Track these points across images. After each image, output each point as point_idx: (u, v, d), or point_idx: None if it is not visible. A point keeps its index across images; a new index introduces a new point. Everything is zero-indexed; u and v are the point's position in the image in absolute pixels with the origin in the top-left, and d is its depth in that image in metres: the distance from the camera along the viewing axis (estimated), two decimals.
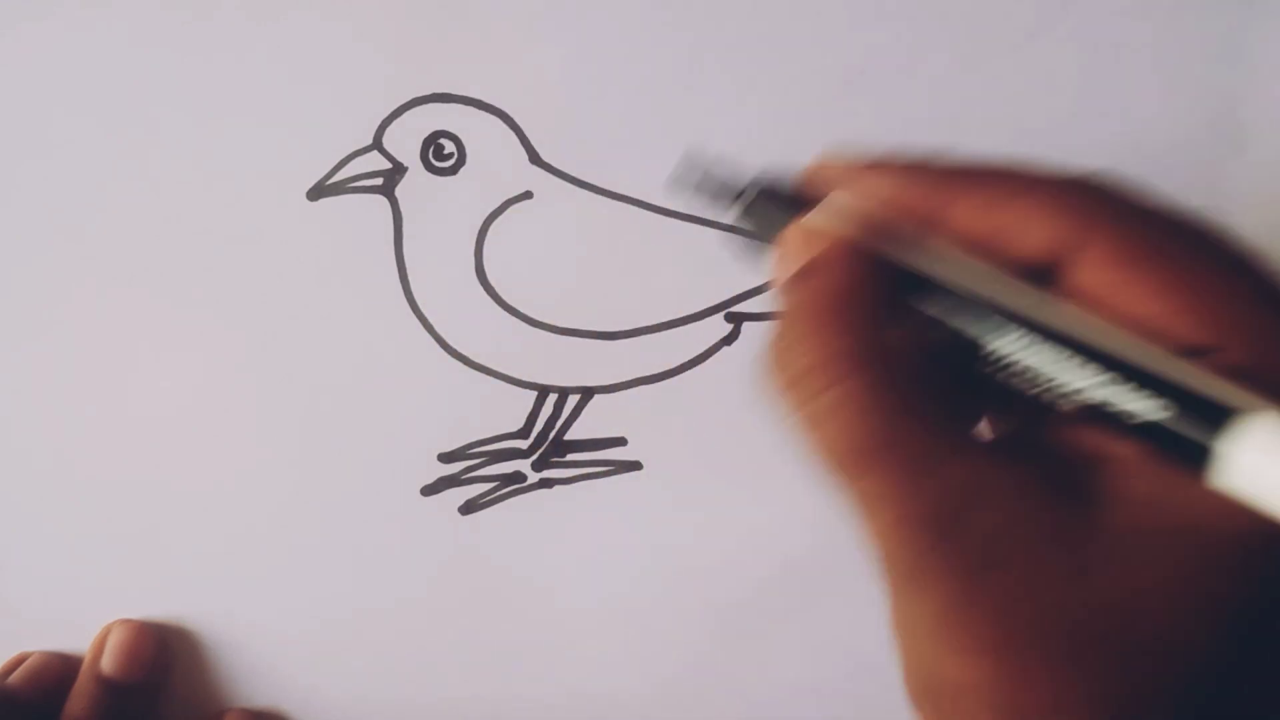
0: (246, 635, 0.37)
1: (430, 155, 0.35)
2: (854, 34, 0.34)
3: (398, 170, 0.36)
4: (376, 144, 0.35)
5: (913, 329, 0.23)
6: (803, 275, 0.24)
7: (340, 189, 0.36)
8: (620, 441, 0.36)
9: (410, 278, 0.36)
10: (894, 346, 0.22)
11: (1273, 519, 0.19)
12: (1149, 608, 0.20)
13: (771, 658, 0.36)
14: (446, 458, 0.36)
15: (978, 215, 0.23)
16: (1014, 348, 0.22)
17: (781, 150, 0.35)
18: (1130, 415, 0.20)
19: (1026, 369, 0.22)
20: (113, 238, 0.36)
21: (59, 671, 0.36)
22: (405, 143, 0.35)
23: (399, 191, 0.36)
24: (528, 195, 0.36)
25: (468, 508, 0.37)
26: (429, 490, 0.36)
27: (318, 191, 0.36)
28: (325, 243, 0.36)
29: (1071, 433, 0.22)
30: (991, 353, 0.22)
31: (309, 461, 0.36)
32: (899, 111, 0.35)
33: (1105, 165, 0.35)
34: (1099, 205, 0.22)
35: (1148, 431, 0.20)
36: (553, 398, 0.36)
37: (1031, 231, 0.22)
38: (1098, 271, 0.21)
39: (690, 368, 0.36)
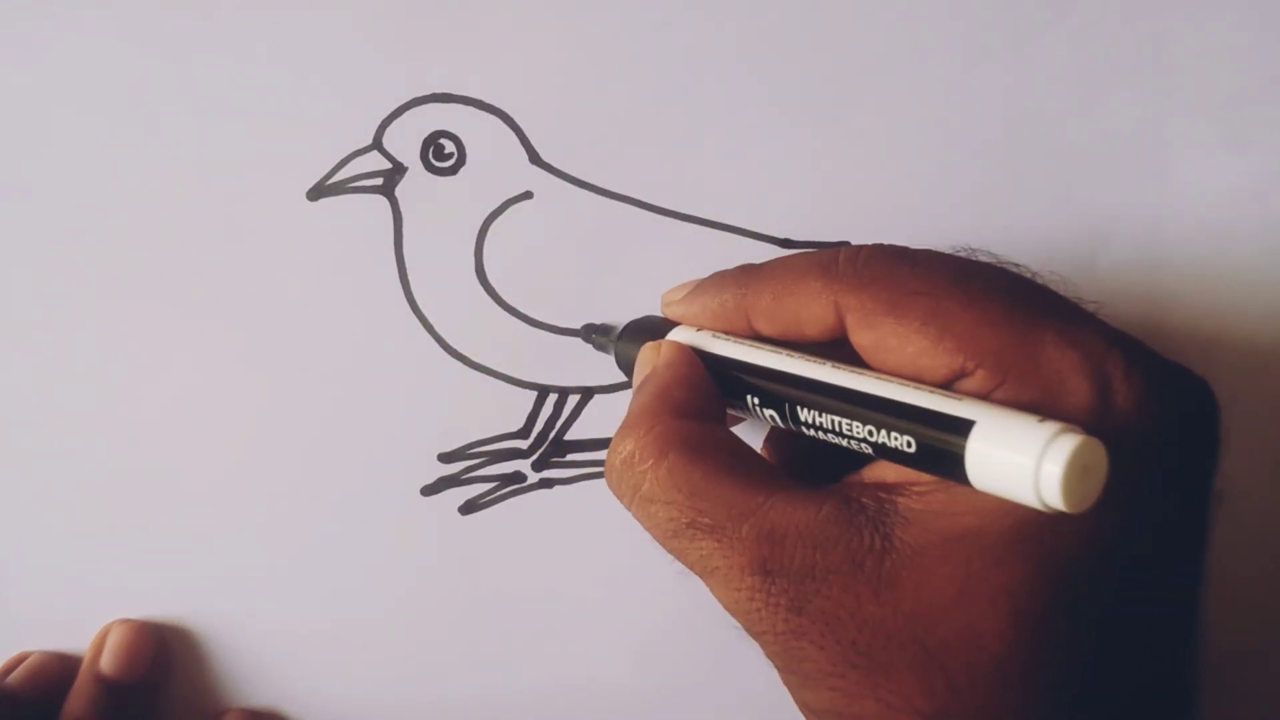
0: (246, 635, 0.37)
1: (430, 155, 0.35)
2: (854, 34, 0.34)
3: (398, 170, 0.35)
4: (376, 144, 0.35)
5: (741, 410, 0.28)
6: (637, 386, 0.29)
7: (340, 189, 0.36)
8: None
9: (410, 278, 0.36)
10: (710, 431, 0.27)
11: (1025, 506, 0.22)
12: (948, 608, 0.22)
13: None
14: (446, 458, 0.36)
15: (772, 317, 0.27)
16: (808, 414, 0.26)
17: (782, 150, 0.35)
18: (899, 450, 0.24)
19: (821, 427, 0.26)
20: (112, 237, 0.36)
21: (58, 671, 0.36)
22: (405, 143, 0.35)
23: (399, 191, 0.36)
24: (528, 195, 0.36)
25: (468, 508, 0.37)
26: (429, 490, 0.36)
27: (318, 191, 0.36)
28: (325, 243, 0.36)
29: (877, 469, 0.25)
30: (800, 419, 0.26)
31: (309, 461, 0.36)
32: (899, 111, 0.35)
33: (1105, 165, 0.35)
34: (842, 281, 0.26)
35: (915, 458, 0.24)
36: (553, 398, 0.36)
37: (806, 319, 0.26)
38: (860, 334, 0.25)
39: None
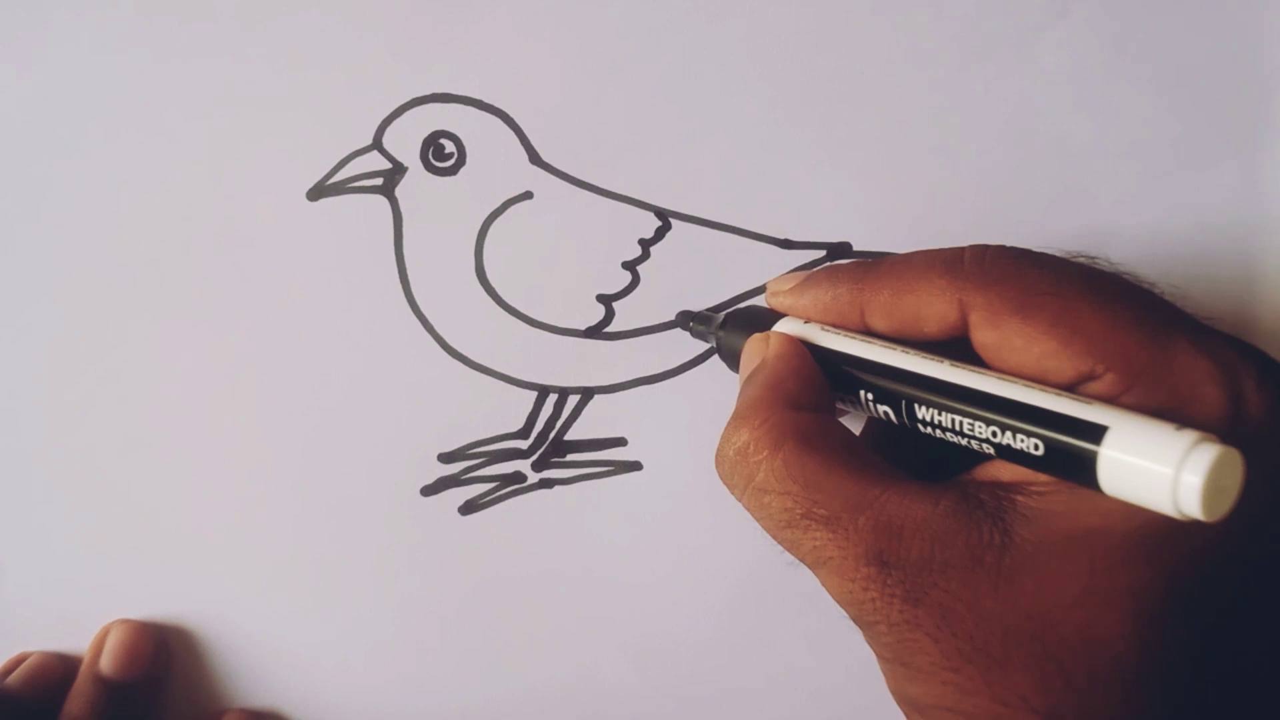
0: (246, 635, 0.37)
1: (430, 155, 0.35)
2: (854, 34, 0.34)
3: (398, 170, 0.36)
4: (376, 144, 0.35)
5: (851, 405, 0.28)
6: (747, 377, 0.29)
7: (340, 189, 0.36)
8: (620, 441, 0.36)
9: (410, 278, 0.36)
10: (824, 423, 0.27)
11: (1156, 511, 0.22)
12: (1069, 606, 0.22)
13: (771, 657, 0.36)
14: (446, 458, 0.36)
15: (889, 313, 0.27)
16: (926, 412, 0.26)
17: (782, 150, 0.35)
18: (1025, 452, 0.24)
19: (940, 425, 0.25)
20: (113, 238, 0.36)
21: (58, 671, 0.36)
22: (405, 143, 0.35)
23: (399, 191, 0.36)
24: (528, 195, 0.36)
25: (468, 508, 0.37)
26: (429, 490, 0.36)
27: (318, 191, 0.36)
28: (325, 243, 0.36)
29: (991, 468, 0.25)
30: (917, 417, 0.26)
31: (309, 461, 0.36)
32: (899, 111, 0.35)
33: (1105, 165, 0.35)
34: (969, 280, 0.25)
35: (1042, 461, 0.23)
36: (553, 398, 0.36)
37: (927, 316, 0.26)
38: (983, 333, 0.25)
39: (690, 368, 0.36)
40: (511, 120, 0.35)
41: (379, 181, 0.36)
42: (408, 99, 0.35)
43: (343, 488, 0.36)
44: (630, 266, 0.36)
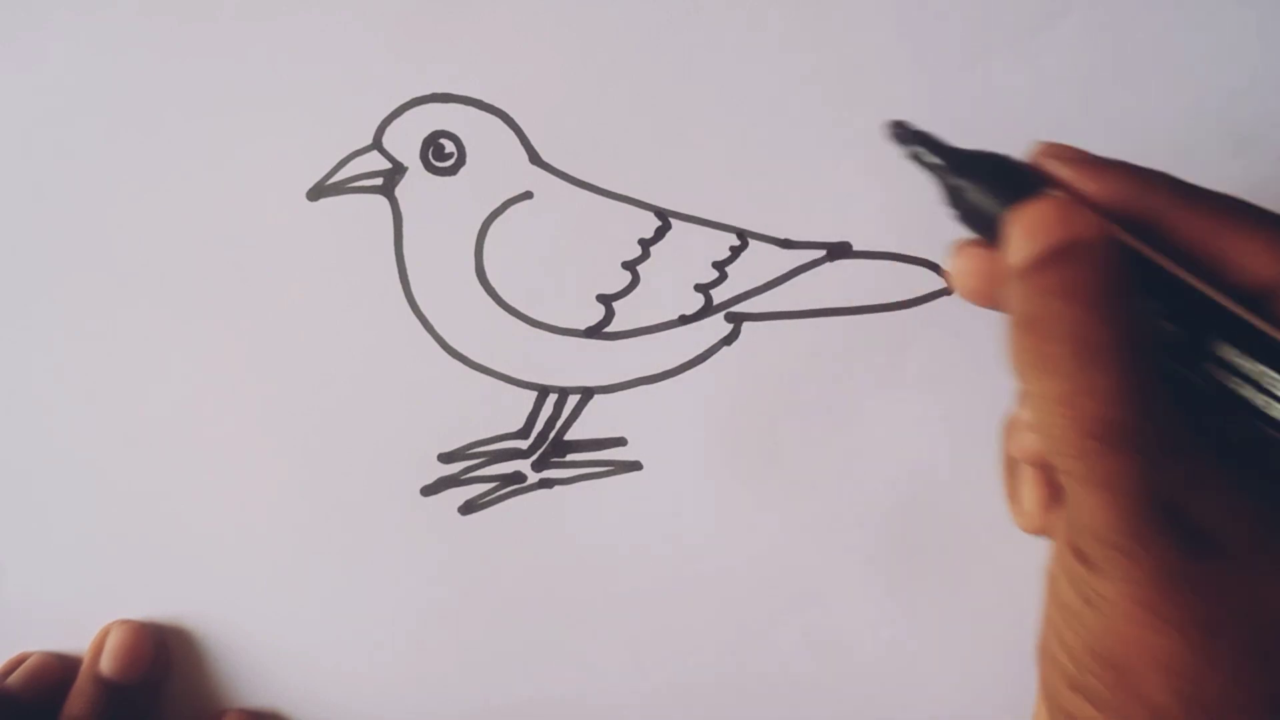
0: (246, 635, 0.37)
1: (430, 155, 0.35)
2: (854, 34, 0.34)
3: (398, 170, 0.35)
4: (376, 144, 0.35)
5: (1149, 322, 0.23)
6: (1061, 257, 0.23)
7: (340, 189, 0.36)
8: (620, 441, 0.36)
9: (410, 278, 0.36)
10: (1142, 336, 0.23)
11: None
12: None
13: (771, 657, 0.36)
14: (446, 458, 0.36)
15: (1205, 235, 0.24)
16: (1236, 356, 0.22)
17: (781, 150, 0.35)
18: None
19: (1247, 376, 0.22)
20: (112, 238, 0.36)
21: (58, 672, 0.36)
22: (405, 143, 0.35)
23: (399, 191, 0.36)
24: (528, 195, 0.36)
25: (468, 508, 0.37)
26: (429, 490, 0.36)
27: (318, 191, 0.36)
28: (325, 243, 0.36)
29: None
30: (1216, 357, 0.23)
31: (309, 461, 0.36)
32: (899, 111, 0.35)
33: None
34: None
35: None
36: (553, 398, 0.36)
37: (1251, 263, 0.23)
38: None
39: (690, 368, 0.36)
40: (511, 120, 0.35)
41: (379, 181, 0.36)
42: (408, 99, 0.35)
43: (343, 488, 0.36)
44: (630, 266, 0.36)
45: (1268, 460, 0.23)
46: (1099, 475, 0.22)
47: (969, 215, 0.26)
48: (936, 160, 0.26)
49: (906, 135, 0.27)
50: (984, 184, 0.25)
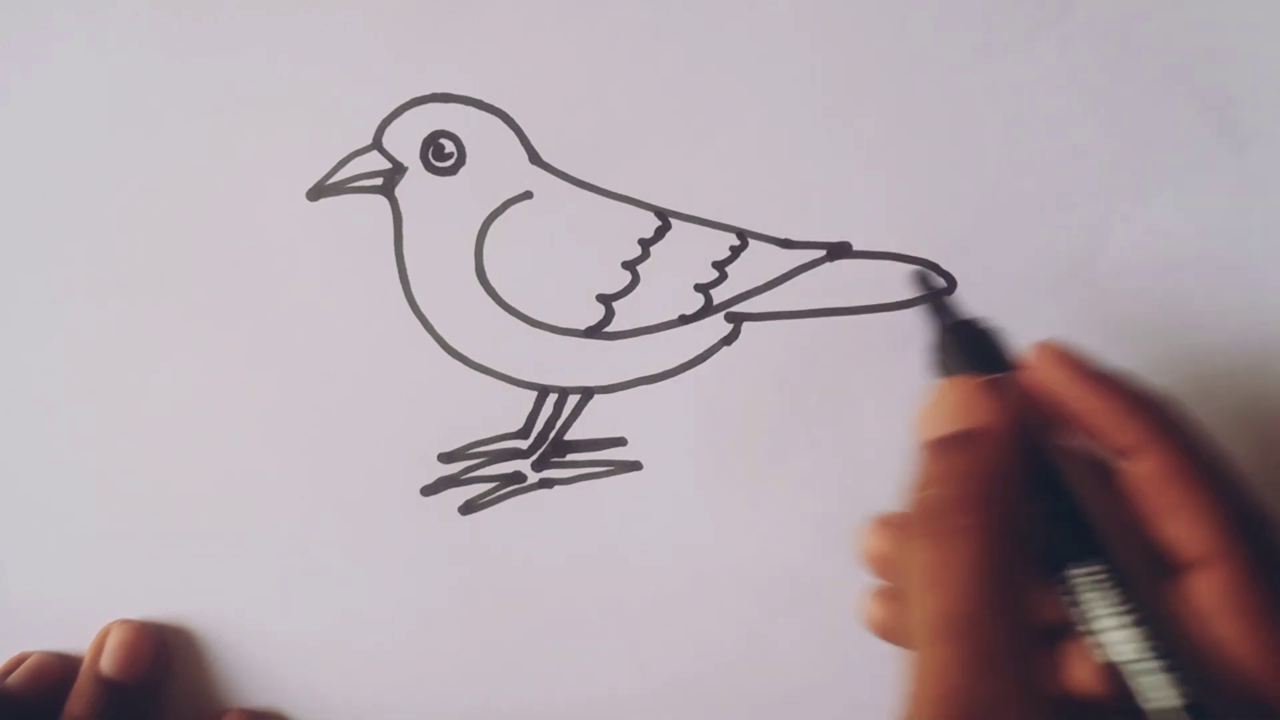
0: (246, 635, 0.37)
1: (430, 155, 0.35)
2: (854, 34, 0.34)
3: (398, 170, 0.35)
4: (376, 144, 0.35)
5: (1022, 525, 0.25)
6: (966, 440, 0.26)
7: (340, 189, 0.36)
8: (620, 441, 0.36)
9: (410, 278, 0.36)
10: (1018, 560, 0.24)
11: None
12: None
13: (771, 657, 0.36)
14: (446, 458, 0.36)
15: (1148, 481, 0.25)
16: (1086, 581, 0.24)
17: (781, 150, 0.35)
18: (1144, 693, 0.22)
19: (1086, 605, 0.24)
20: (113, 238, 0.36)
21: (59, 671, 0.36)
22: (405, 143, 0.35)
23: (399, 191, 0.36)
24: (528, 195, 0.36)
25: (468, 508, 0.37)
26: (429, 490, 0.36)
27: (318, 191, 0.36)
28: (325, 243, 0.36)
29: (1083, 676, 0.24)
30: (1071, 575, 0.24)
31: (309, 461, 0.36)
32: (899, 111, 0.35)
33: (1105, 165, 0.35)
34: (1245, 544, 0.24)
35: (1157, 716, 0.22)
36: (553, 398, 0.36)
37: (1177, 523, 0.24)
38: (1214, 590, 0.23)
39: (690, 368, 0.36)
40: (511, 120, 0.35)
41: (379, 181, 0.36)
42: (408, 99, 0.35)
43: (343, 488, 0.36)
44: (630, 266, 0.36)
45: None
46: (929, 660, 0.24)
47: (944, 360, 0.29)
48: (939, 315, 0.30)
49: (927, 286, 0.32)
50: (961, 348, 0.28)
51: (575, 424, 0.36)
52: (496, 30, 0.35)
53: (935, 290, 0.32)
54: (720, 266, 0.35)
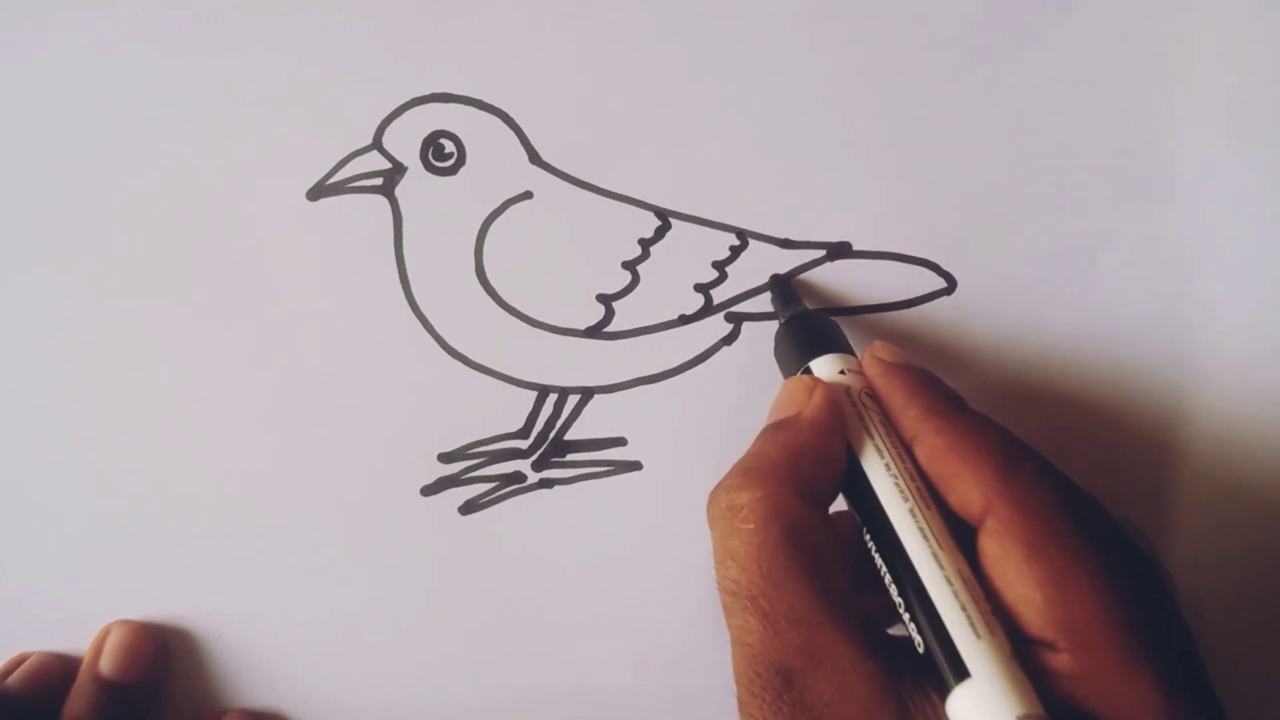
0: (246, 635, 0.37)
1: (430, 155, 0.35)
2: (854, 34, 0.34)
3: (398, 170, 0.35)
4: (376, 144, 0.35)
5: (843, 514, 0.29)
6: (777, 423, 0.29)
7: (340, 189, 0.36)
8: (620, 441, 0.36)
9: (410, 278, 0.36)
10: (817, 523, 0.27)
11: None
12: None
13: None
14: (446, 458, 0.36)
15: (934, 458, 0.28)
16: (885, 569, 0.27)
17: (781, 150, 0.35)
18: (911, 638, 0.25)
19: (884, 564, 0.27)
20: (112, 238, 0.36)
21: (58, 672, 0.36)
22: (405, 143, 0.35)
23: (399, 191, 0.36)
24: (528, 195, 0.36)
25: (468, 508, 0.37)
26: (429, 490, 0.36)
27: (318, 191, 0.36)
28: (325, 243, 0.36)
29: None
30: (877, 564, 0.27)
31: (309, 461, 0.36)
32: (899, 111, 0.35)
33: (1105, 165, 0.35)
34: (1010, 493, 0.26)
35: (920, 659, 0.25)
36: (553, 398, 0.36)
37: (955, 488, 0.27)
38: (989, 541, 0.26)
39: (690, 368, 0.36)
40: (511, 120, 0.35)
41: (379, 181, 0.36)
42: (408, 99, 0.35)
43: (343, 488, 0.36)
44: (630, 266, 0.36)
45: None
46: (730, 630, 0.26)
47: (780, 356, 0.33)
48: (781, 306, 0.34)
49: (777, 286, 0.35)
50: (793, 342, 0.32)
51: (575, 424, 0.36)
52: (496, 30, 0.35)
53: (780, 281, 0.35)
54: (720, 266, 0.35)
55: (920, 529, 0.26)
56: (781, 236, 0.35)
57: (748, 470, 0.28)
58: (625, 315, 0.36)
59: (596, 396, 0.36)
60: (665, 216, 0.35)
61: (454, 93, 0.35)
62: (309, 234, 0.36)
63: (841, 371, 0.30)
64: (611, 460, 0.36)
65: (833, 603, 0.25)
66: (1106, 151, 0.34)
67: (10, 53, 0.35)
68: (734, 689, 0.34)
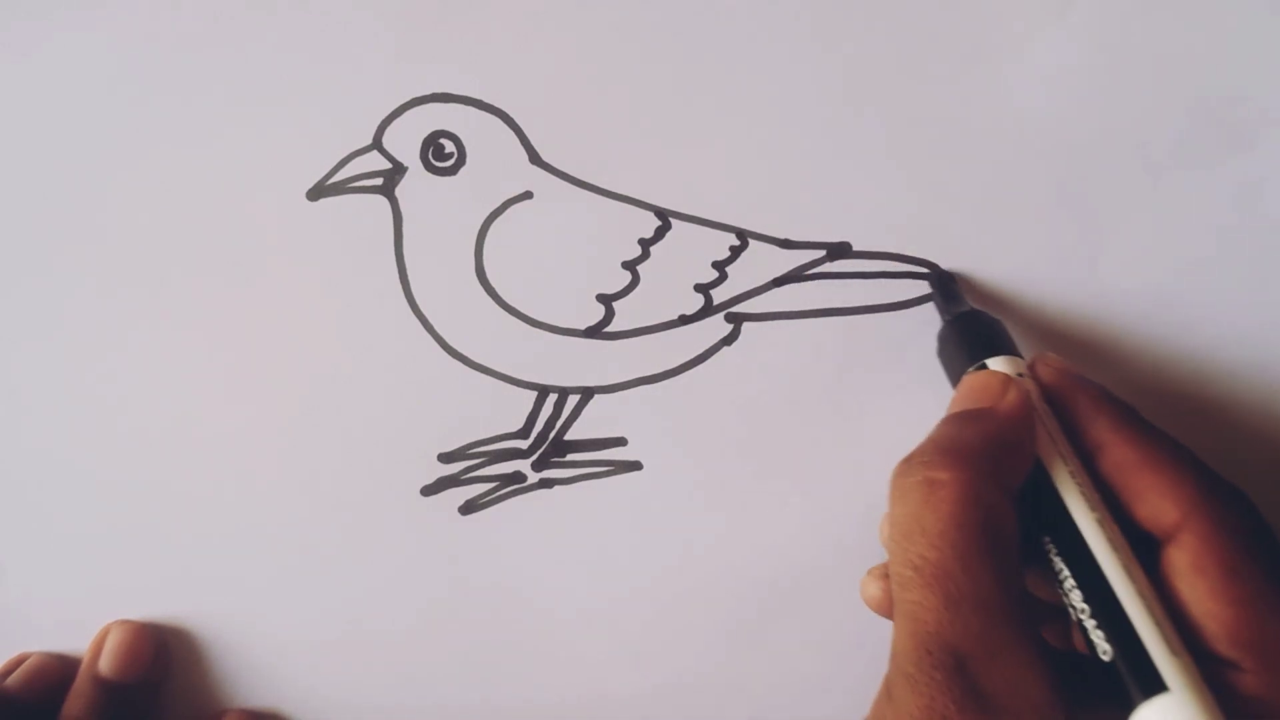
0: (246, 635, 0.37)
1: (430, 155, 0.35)
2: (853, 34, 0.34)
3: (398, 170, 0.35)
4: (376, 144, 0.35)
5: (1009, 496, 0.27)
6: (977, 411, 0.29)
7: (340, 189, 0.36)
8: (620, 441, 0.36)
9: (410, 278, 0.36)
10: (1005, 515, 0.26)
11: None
12: None
13: (772, 657, 0.36)
14: (446, 458, 0.36)
15: (1123, 468, 0.27)
16: (1051, 549, 0.27)
17: (781, 150, 0.35)
18: (1095, 646, 0.25)
19: (1056, 570, 0.26)
20: (112, 237, 0.36)
21: (57, 672, 0.36)
22: (405, 143, 0.35)
23: (399, 191, 0.36)
24: (528, 195, 0.36)
25: (468, 508, 0.37)
26: (429, 490, 0.36)
27: (318, 191, 0.36)
28: (325, 243, 0.36)
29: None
30: (1053, 549, 0.27)
31: (309, 461, 0.36)
32: (899, 111, 0.35)
33: (1105, 165, 0.35)
34: (1207, 512, 0.26)
35: (1108, 670, 0.25)
36: (553, 398, 0.36)
37: (1146, 502, 0.27)
38: (1180, 556, 0.26)
39: (690, 368, 0.36)
40: (511, 120, 0.35)
41: (379, 181, 0.36)
42: (408, 99, 0.35)
43: (343, 488, 0.36)
44: (630, 266, 0.36)
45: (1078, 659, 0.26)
46: (905, 604, 0.26)
47: (949, 351, 0.32)
48: (947, 304, 0.33)
49: (938, 280, 0.34)
50: (967, 339, 0.32)
51: (575, 424, 0.36)
52: (496, 30, 0.35)
53: (944, 279, 0.34)
54: (720, 266, 0.35)
55: (1110, 539, 0.26)
56: (781, 236, 0.35)
57: (947, 450, 0.27)
58: (625, 315, 0.36)
59: (596, 396, 0.36)
60: (665, 216, 0.35)
61: (454, 93, 0.35)
62: (309, 234, 0.36)
63: (1019, 374, 0.30)
64: (611, 460, 0.36)
65: (1016, 598, 0.25)
66: (1106, 152, 0.34)
67: (10, 52, 0.35)
68: (734, 689, 0.34)
